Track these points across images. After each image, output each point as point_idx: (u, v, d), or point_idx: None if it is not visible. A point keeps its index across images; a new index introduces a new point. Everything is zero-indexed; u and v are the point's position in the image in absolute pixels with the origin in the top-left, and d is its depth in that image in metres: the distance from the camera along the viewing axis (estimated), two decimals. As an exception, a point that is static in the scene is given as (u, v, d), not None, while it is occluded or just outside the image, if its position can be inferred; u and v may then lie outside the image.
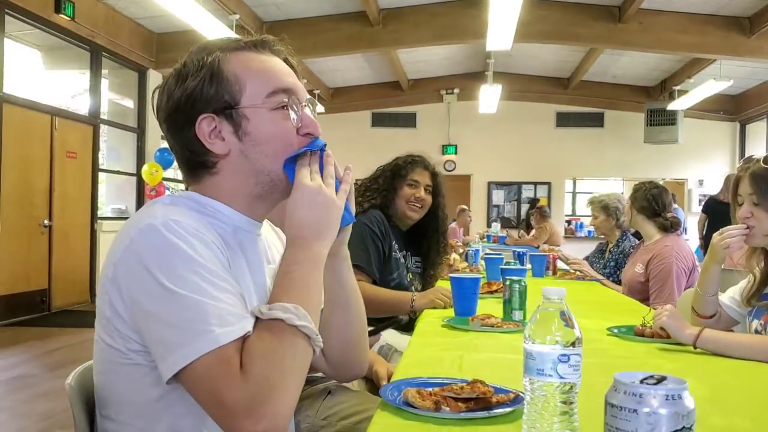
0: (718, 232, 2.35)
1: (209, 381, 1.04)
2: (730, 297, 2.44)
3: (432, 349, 1.96)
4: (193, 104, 1.25)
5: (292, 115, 1.27)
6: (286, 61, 1.36)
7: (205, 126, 1.25)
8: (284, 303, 1.10)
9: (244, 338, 1.07)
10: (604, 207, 4.81)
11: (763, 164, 2.17)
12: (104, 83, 10.14)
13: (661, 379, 0.83)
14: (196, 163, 1.29)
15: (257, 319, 1.10)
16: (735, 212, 2.28)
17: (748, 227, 2.23)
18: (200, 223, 1.18)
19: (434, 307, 2.74)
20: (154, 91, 1.33)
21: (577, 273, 4.61)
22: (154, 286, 1.08)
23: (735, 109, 14.42)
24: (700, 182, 14.76)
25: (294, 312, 1.09)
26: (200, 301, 1.06)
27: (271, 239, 1.47)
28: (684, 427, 0.79)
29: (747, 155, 13.44)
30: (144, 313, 1.10)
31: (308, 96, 1.33)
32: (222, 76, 1.26)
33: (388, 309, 2.93)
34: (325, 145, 1.30)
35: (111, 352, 1.18)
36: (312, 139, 1.29)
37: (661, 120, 13.56)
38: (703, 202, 10.29)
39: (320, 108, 13.24)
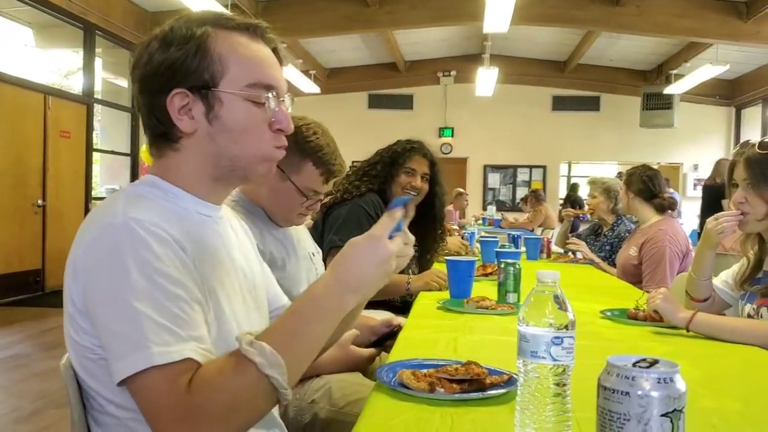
0: (712, 217, 2.36)
1: (150, 394, 1.04)
2: (723, 281, 2.46)
3: (427, 331, 1.98)
4: (171, 75, 1.22)
5: (269, 109, 1.25)
6: (275, 50, 1.33)
7: (177, 101, 1.22)
8: (266, 345, 1.05)
9: (197, 361, 1.05)
10: (606, 189, 4.82)
11: (758, 150, 2.17)
12: (98, 62, 10.08)
13: (653, 363, 0.83)
14: (161, 133, 1.26)
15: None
16: (730, 196, 2.28)
17: (741, 213, 2.24)
18: (163, 215, 1.16)
19: (430, 290, 2.75)
20: (135, 48, 1.29)
21: (571, 256, 4.63)
22: (106, 291, 1.08)
23: (731, 93, 14.41)
24: (695, 167, 14.77)
25: (270, 359, 1.04)
26: (144, 314, 1.04)
27: (235, 224, 1.47)
28: (675, 409, 0.80)
29: (742, 140, 13.47)
30: (96, 316, 1.10)
31: (289, 93, 1.32)
32: (207, 53, 1.22)
33: (384, 292, 2.92)
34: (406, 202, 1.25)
35: (79, 347, 1.17)
36: (282, 135, 1.29)
37: (657, 104, 13.54)
38: (698, 187, 10.31)
39: (316, 88, 13.19)
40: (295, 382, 1.10)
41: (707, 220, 2.38)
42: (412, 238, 1.25)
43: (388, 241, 1.16)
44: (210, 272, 1.20)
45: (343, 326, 1.36)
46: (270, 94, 1.25)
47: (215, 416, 1.02)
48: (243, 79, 1.23)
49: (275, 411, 1.41)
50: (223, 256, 1.28)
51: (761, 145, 2.17)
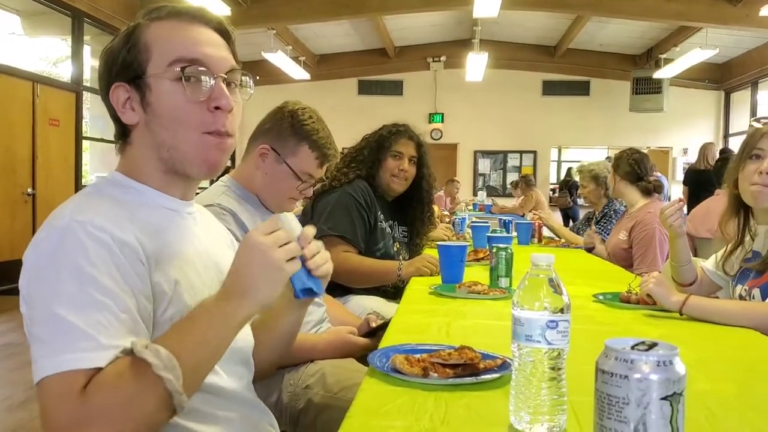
0: (660, 210, 2.48)
1: (46, 396, 1.02)
2: (714, 263, 2.48)
3: (419, 316, 1.97)
4: (110, 70, 1.24)
5: (198, 86, 1.22)
6: (220, 30, 1.30)
7: (119, 94, 1.24)
8: (161, 348, 1.03)
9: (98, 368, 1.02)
10: (594, 177, 4.83)
11: None
12: (87, 50, 10.00)
13: (652, 345, 0.82)
14: (118, 130, 1.28)
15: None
16: (742, 167, 2.23)
17: (680, 200, 2.38)
18: (116, 215, 1.14)
19: (421, 275, 2.75)
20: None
21: (562, 241, 4.65)
22: (37, 293, 1.07)
23: (720, 77, 14.43)
24: (685, 151, 14.79)
25: (165, 361, 1.02)
26: (65, 320, 1.02)
27: (210, 221, 1.47)
28: (675, 392, 0.79)
29: (732, 124, 13.50)
30: (28, 316, 1.09)
31: (235, 68, 1.28)
32: (136, 44, 1.23)
33: (375, 279, 2.94)
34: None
35: None
36: (222, 114, 1.23)
37: (646, 88, 13.56)
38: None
39: (306, 75, 13.14)
40: (192, 390, 1.08)
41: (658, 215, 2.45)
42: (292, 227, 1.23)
43: (261, 237, 1.15)
44: (171, 265, 1.19)
45: (286, 335, 1.45)
46: (200, 69, 1.22)
47: (107, 420, 1.00)
48: (165, 59, 1.22)
49: (251, 394, 1.41)
50: (188, 251, 1.26)
51: None
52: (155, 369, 1.01)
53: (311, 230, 1.25)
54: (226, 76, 1.26)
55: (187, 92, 1.21)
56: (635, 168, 4.08)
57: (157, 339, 1.09)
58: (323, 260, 1.27)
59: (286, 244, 1.16)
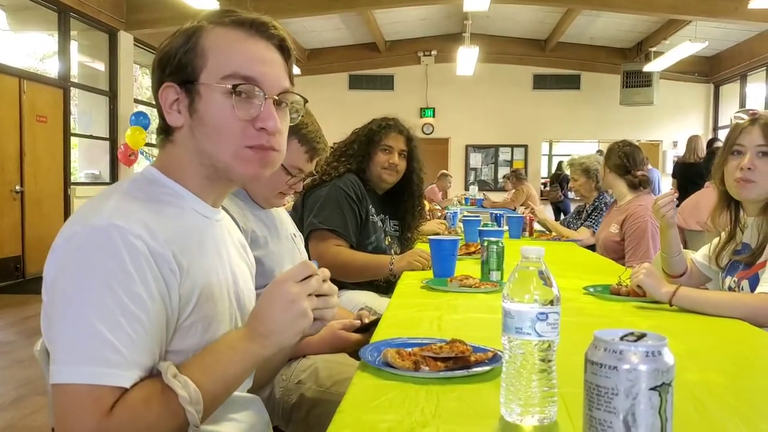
0: (653, 201, 2.49)
1: (68, 403, 1.02)
2: (704, 254, 2.49)
3: (411, 310, 1.97)
4: (164, 68, 1.23)
5: (246, 103, 1.21)
6: (281, 48, 1.28)
7: (168, 94, 1.23)
8: (189, 381, 1.06)
9: (125, 388, 1.04)
10: (585, 170, 4.84)
11: None
12: (74, 45, 9.95)
13: (641, 336, 0.83)
14: (162, 125, 1.27)
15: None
16: (724, 163, 2.25)
17: (673, 191, 2.38)
18: (153, 219, 1.13)
19: (413, 269, 2.75)
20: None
21: (553, 234, 4.66)
22: (67, 292, 1.06)
23: (709, 70, 14.49)
24: (675, 144, 14.84)
25: (192, 395, 1.05)
26: (95, 328, 1.02)
27: (233, 229, 1.46)
28: (664, 383, 0.79)
29: (721, 116, 13.53)
30: (52, 312, 1.09)
31: (289, 90, 1.27)
32: (194, 48, 1.22)
33: (367, 273, 2.94)
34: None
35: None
36: (267, 134, 1.22)
37: (637, 82, 13.61)
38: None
39: (296, 69, 13.06)
40: (204, 419, 1.10)
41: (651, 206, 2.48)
42: (326, 273, 1.22)
43: (291, 283, 1.15)
44: (199, 274, 1.19)
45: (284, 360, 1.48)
46: (253, 88, 1.21)
47: None
48: (220, 70, 1.21)
49: (249, 393, 1.41)
50: (214, 260, 1.26)
51: None
52: (182, 401, 1.04)
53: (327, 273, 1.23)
54: (277, 98, 1.25)
55: (237, 108, 1.20)
56: (624, 161, 4.08)
57: (181, 367, 1.09)
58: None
59: (314, 293, 1.17)
